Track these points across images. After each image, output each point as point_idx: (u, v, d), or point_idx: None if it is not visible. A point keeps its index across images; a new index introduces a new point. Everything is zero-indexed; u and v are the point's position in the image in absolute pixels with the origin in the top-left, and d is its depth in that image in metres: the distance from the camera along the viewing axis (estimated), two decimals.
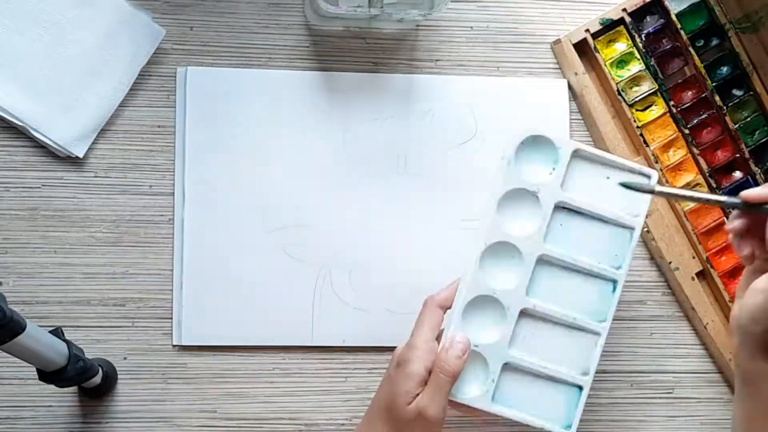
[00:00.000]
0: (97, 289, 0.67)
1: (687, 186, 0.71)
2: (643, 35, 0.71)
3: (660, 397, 0.72)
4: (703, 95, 0.72)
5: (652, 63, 0.71)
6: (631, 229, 0.62)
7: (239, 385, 0.68)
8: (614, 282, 0.62)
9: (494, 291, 0.61)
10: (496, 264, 0.61)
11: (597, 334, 0.62)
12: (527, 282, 0.61)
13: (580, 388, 0.62)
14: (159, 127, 0.68)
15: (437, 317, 0.61)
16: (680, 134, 0.71)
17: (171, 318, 0.67)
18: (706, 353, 0.73)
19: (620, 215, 0.62)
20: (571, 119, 0.71)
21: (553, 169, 0.62)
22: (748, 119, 0.72)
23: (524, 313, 0.61)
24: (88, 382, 0.61)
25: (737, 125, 0.71)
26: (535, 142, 0.62)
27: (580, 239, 0.62)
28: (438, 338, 0.60)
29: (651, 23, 0.71)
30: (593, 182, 0.62)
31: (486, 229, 0.61)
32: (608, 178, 0.62)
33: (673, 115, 0.71)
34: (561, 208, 0.62)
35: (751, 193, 0.53)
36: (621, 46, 0.71)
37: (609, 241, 0.62)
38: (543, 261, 0.62)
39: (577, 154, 0.62)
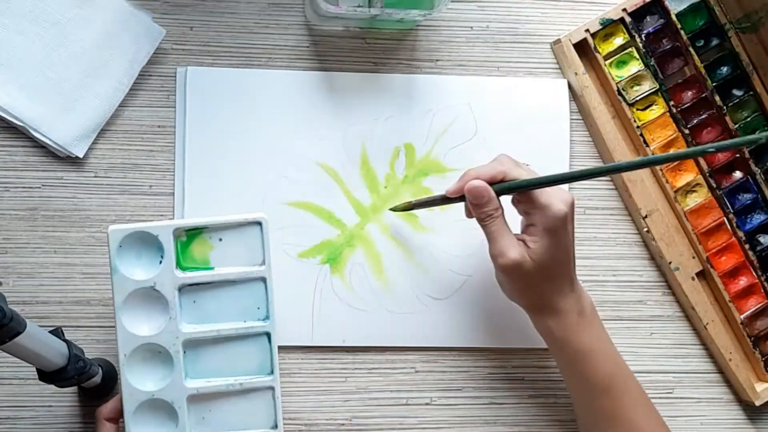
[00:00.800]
0: (97, 289, 0.67)
1: (687, 186, 0.71)
2: (643, 35, 0.71)
3: (660, 397, 0.72)
4: (703, 95, 0.72)
5: (652, 63, 0.71)
6: (263, 279, 0.62)
7: None
8: (267, 334, 0.62)
9: (152, 394, 0.60)
10: (145, 366, 0.61)
11: (270, 388, 0.62)
12: (182, 370, 0.60)
13: None
14: (159, 127, 0.68)
15: (109, 430, 0.61)
16: (680, 134, 0.71)
17: None
18: (706, 353, 0.73)
19: (246, 271, 0.61)
20: (571, 119, 0.71)
21: (162, 256, 0.61)
22: (748, 119, 0.72)
23: (193, 398, 0.61)
24: (88, 382, 0.60)
25: (737, 125, 0.71)
26: (134, 239, 0.61)
27: (218, 309, 0.62)
28: None
29: (651, 23, 0.71)
30: (207, 251, 0.62)
31: (120, 340, 0.60)
32: (221, 240, 0.62)
33: (673, 115, 0.71)
34: (188, 286, 0.61)
35: (450, 189, 0.62)
36: (618, 40, 0.71)
37: (247, 298, 0.62)
38: (190, 343, 0.61)
39: (178, 233, 0.61)
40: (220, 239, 0.62)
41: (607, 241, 0.72)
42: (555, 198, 0.60)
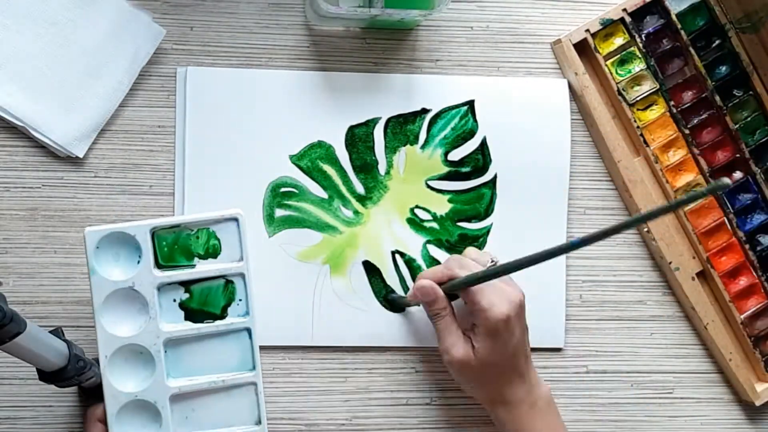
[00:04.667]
0: None
1: (687, 186, 0.71)
2: (643, 35, 0.71)
3: (660, 398, 0.72)
4: (704, 95, 0.72)
5: (652, 63, 0.71)
6: (242, 275, 0.62)
7: None
8: (247, 329, 0.62)
9: (135, 395, 0.60)
10: (127, 367, 0.61)
11: (253, 383, 0.62)
12: (164, 369, 0.60)
13: None
14: (159, 127, 0.68)
15: (101, 431, 0.61)
16: (680, 134, 0.71)
17: None
18: (706, 353, 0.73)
19: (225, 267, 0.62)
20: (571, 119, 0.71)
21: (140, 256, 0.61)
22: (748, 119, 0.72)
23: (176, 398, 0.61)
24: (88, 382, 0.60)
25: (737, 125, 0.71)
26: (112, 240, 0.60)
27: (192, 308, 0.62)
28: None
29: (651, 23, 0.71)
30: (186, 248, 0.62)
31: (100, 342, 0.60)
32: (198, 237, 0.62)
33: (673, 115, 0.71)
34: (168, 284, 0.61)
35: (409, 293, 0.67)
36: (619, 40, 0.71)
37: (217, 293, 0.62)
38: (171, 342, 0.61)
39: (157, 231, 0.61)
40: (197, 237, 0.62)
41: (607, 241, 0.72)
42: (498, 299, 0.61)
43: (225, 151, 0.68)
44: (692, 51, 0.71)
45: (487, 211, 0.70)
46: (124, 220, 0.67)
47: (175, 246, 0.62)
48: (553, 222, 0.71)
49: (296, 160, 0.69)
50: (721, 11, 0.71)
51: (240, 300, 0.62)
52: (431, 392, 0.70)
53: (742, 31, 0.71)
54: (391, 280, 0.69)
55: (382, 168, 0.70)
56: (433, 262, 0.70)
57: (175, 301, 0.62)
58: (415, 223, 0.70)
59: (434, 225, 0.70)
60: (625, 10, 0.71)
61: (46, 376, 0.56)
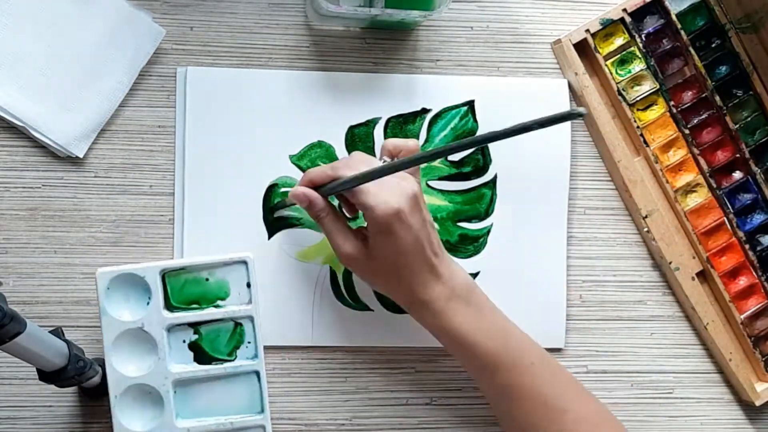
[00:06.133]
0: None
1: (687, 186, 0.71)
2: (643, 35, 0.71)
3: (660, 398, 0.72)
4: (703, 95, 0.72)
5: (652, 63, 0.71)
6: (250, 318, 0.62)
7: None
8: (256, 372, 0.62)
9: None
10: (136, 407, 0.61)
11: (261, 426, 0.62)
12: (173, 410, 0.61)
13: None
14: (159, 127, 0.68)
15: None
16: (680, 134, 0.71)
17: None
18: (706, 353, 0.73)
19: (234, 310, 0.62)
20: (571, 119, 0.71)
21: (149, 297, 0.61)
22: (748, 119, 0.72)
23: None
24: (88, 382, 0.60)
25: (737, 125, 0.71)
26: (122, 280, 0.61)
27: (202, 350, 0.62)
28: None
29: (651, 23, 0.71)
30: (195, 290, 0.63)
31: (110, 381, 0.60)
32: (207, 279, 0.63)
33: (673, 115, 0.71)
34: (177, 325, 0.61)
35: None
36: (619, 40, 0.71)
37: (226, 335, 0.62)
38: (180, 383, 0.61)
39: (167, 272, 0.62)
40: (207, 279, 0.62)
41: (607, 241, 0.72)
42: (388, 194, 0.58)
43: (225, 151, 0.68)
44: (692, 51, 0.71)
45: (488, 211, 0.70)
46: (124, 220, 0.67)
47: (184, 287, 0.62)
48: (553, 222, 0.71)
49: (296, 160, 0.69)
50: (721, 11, 0.72)
51: (249, 342, 0.63)
52: (431, 392, 0.70)
53: (742, 31, 0.71)
54: None
55: None
56: None
57: (184, 342, 0.62)
58: None
59: (434, 225, 0.70)
60: (625, 10, 0.71)
61: (46, 376, 0.56)
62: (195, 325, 0.62)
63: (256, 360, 0.62)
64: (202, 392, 0.62)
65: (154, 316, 0.61)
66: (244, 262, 0.63)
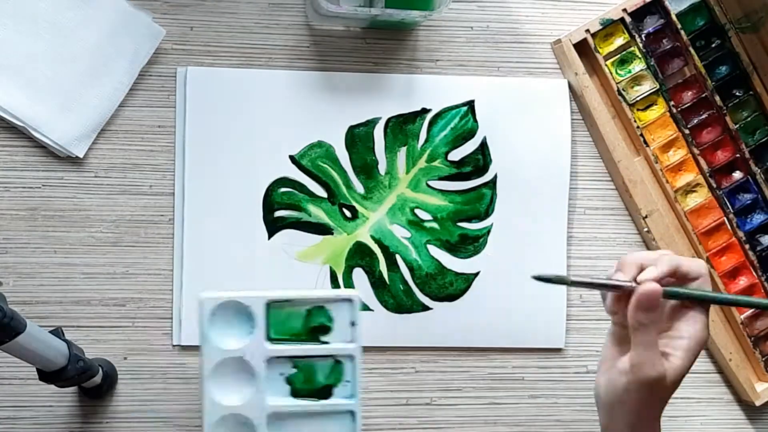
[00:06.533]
0: (97, 289, 0.67)
1: (687, 186, 0.71)
2: (643, 35, 0.71)
3: None
4: (703, 95, 0.72)
5: (652, 63, 0.71)
6: (351, 357, 0.61)
7: None
8: (351, 412, 0.60)
9: None
10: None
11: None
12: None
13: None
14: (159, 127, 0.68)
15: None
16: (680, 134, 0.71)
17: (171, 318, 0.67)
18: (706, 353, 0.72)
19: (336, 348, 0.60)
20: (571, 119, 0.71)
21: (252, 327, 0.60)
22: (748, 119, 0.72)
23: None
24: (88, 382, 0.61)
25: (737, 125, 0.71)
26: (226, 308, 0.59)
27: (299, 385, 0.61)
28: None
29: (651, 23, 0.71)
30: (299, 321, 0.61)
31: (205, 409, 0.59)
32: (310, 314, 0.61)
33: (673, 115, 0.71)
34: (276, 358, 0.60)
35: (614, 275, 0.53)
36: (619, 40, 0.71)
37: (325, 372, 0.61)
38: (274, 417, 0.60)
39: (272, 304, 0.60)
40: (310, 313, 0.60)
41: (607, 241, 0.72)
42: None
43: (225, 150, 0.68)
44: (692, 51, 0.71)
45: (488, 211, 0.70)
46: (124, 220, 0.67)
47: (287, 320, 0.61)
48: (553, 222, 0.71)
49: (296, 160, 0.69)
50: (721, 11, 0.72)
51: (347, 381, 0.60)
52: (431, 392, 0.70)
53: (742, 31, 0.71)
54: (392, 280, 0.69)
55: (382, 168, 0.70)
56: (433, 262, 0.70)
57: (282, 375, 0.60)
58: (415, 223, 0.70)
59: (434, 225, 0.70)
60: (625, 10, 0.71)
61: (46, 376, 0.56)
62: (294, 359, 0.60)
63: (353, 400, 0.60)
64: (296, 428, 0.60)
65: (256, 346, 0.59)
66: (350, 300, 0.61)
